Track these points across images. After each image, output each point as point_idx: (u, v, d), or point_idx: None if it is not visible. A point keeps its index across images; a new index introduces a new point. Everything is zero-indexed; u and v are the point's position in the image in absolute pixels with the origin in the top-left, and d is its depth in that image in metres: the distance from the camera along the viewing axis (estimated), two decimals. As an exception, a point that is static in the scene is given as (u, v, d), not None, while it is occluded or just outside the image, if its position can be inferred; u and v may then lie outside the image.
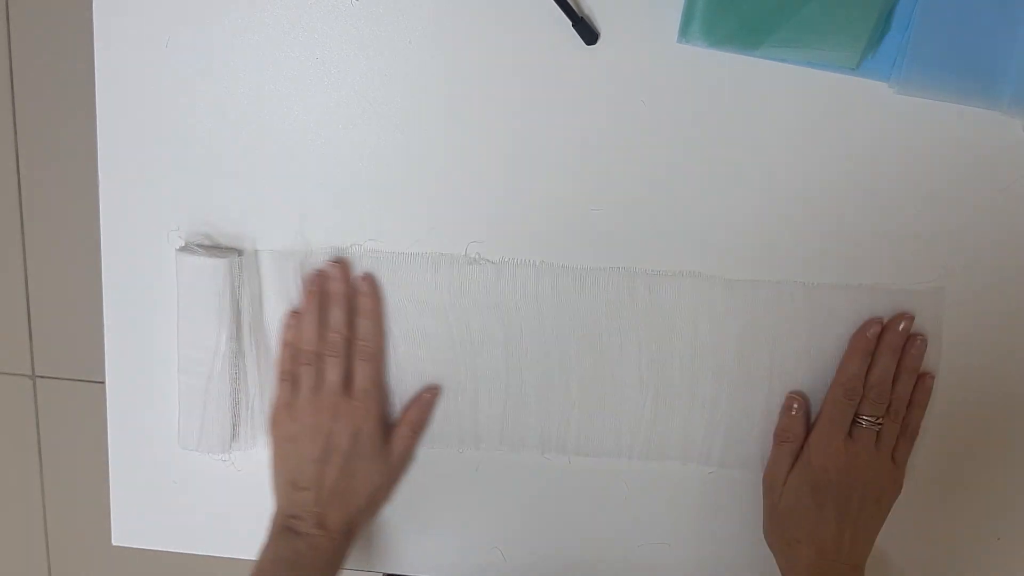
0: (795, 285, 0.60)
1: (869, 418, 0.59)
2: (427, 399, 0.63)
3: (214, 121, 0.60)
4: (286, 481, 0.62)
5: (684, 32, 0.54)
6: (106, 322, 0.65)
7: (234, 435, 0.64)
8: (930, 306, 0.59)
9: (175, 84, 0.59)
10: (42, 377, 1.47)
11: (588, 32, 0.55)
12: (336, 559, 0.61)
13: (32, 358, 1.46)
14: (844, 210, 0.58)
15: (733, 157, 0.58)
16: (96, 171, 0.61)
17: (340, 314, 0.61)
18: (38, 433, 1.49)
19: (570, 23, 0.55)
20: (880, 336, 0.59)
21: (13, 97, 1.36)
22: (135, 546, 0.69)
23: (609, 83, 0.57)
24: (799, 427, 0.61)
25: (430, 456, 0.65)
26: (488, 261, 0.61)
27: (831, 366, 0.61)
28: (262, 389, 0.64)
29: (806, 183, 0.58)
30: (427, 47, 0.57)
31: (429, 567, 0.68)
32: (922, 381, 0.60)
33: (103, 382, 0.66)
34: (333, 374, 0.61)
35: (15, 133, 1.37)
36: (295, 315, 0.62)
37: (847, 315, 0.60)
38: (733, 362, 0.61)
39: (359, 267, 0.61)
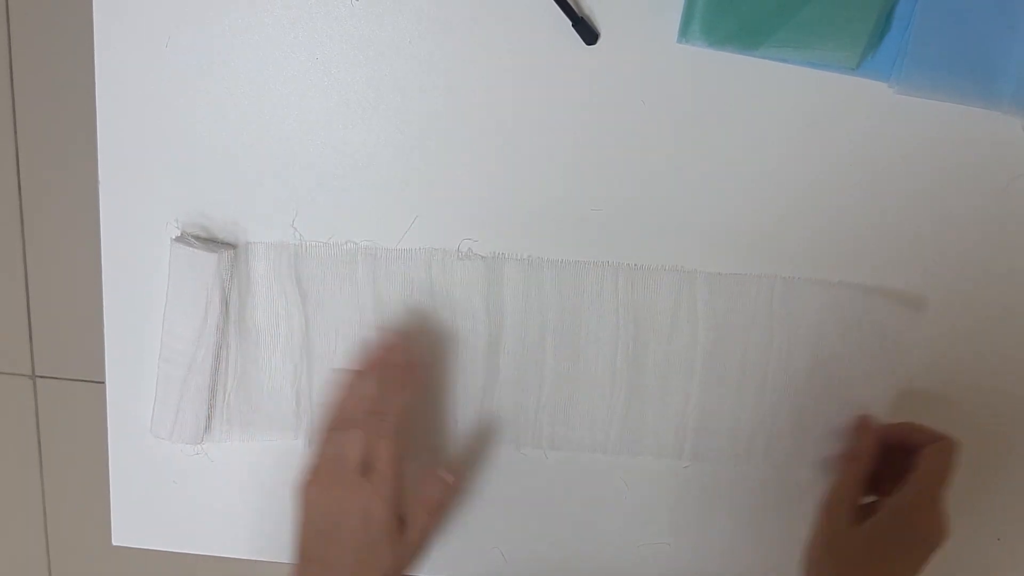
0: (775, 280, 0.60)
1: None
2: (450, 482, 0.58)
3: (214, 121, 0.60)
4: (299, 545, 0.58)
5: (684, 32, 0.54)
6: (106, 322, 0.65)
7: (207, 428, 0.64)
8: (906, 308, 0.59)
9: (175, 84, 0.59)
10: (42, 377, 1.47)
11: (588, 32, 0.55)
12: None
13: (32, 358, 1.46)
14: (844, 210, 0.58)
15: (733, 157, 0.58)
16: (96, 171, 0.61)
17: (381, 388, 0.57)
18: (38, 433, 1.49)
19: (570, 23, 0.55)
20: None
21: (13, 97, 1.36)
22: (135, 546, 0.69)
23: (609, 83, 0.57)
24: (873, 448, 0.59)
25: (432, 456, 0.65)
26: (479, 256, 0.61)
27: (802, 362, 0.61)
28: (240, 384, 0.64)
29: (806, 183, 0.58)
30: (427, 47, 0.57)
31: (429, 567, 0.68)
32: None
33: (103, 382, 0.66)
34: (356, 449, 0.56)
35: (15, 133, 1.37)
36: (348, 374, 0.58)
37: (820, 311, 0.60)
38: (706, 356, 0.61)
39: (352, 262, 0.61)
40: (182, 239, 0.60)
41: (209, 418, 0.64)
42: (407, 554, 0.58)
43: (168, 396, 0.63)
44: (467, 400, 0.64)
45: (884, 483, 0.58)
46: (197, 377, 0.62)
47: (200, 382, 0.62)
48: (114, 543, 0.69)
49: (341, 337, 0.63)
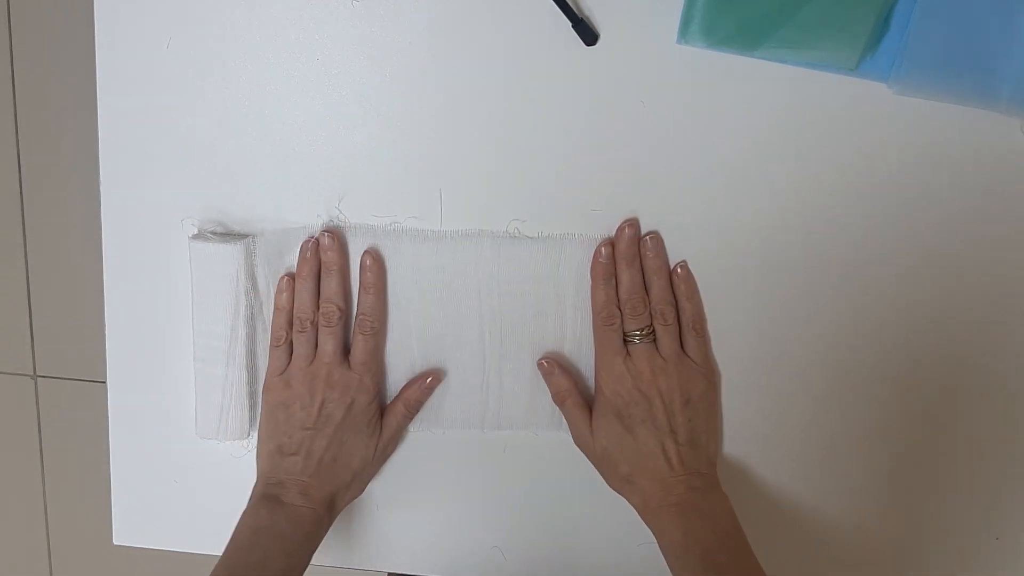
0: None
1: (636, 332, 0.59)
2: (429, 384, 0.62)
3: (214, 121, 0.60)
4: (274, 447, 0.61)
5: (683, 33, 0.54)
6: (107, 321, 0.65)
7: (252, 420, 0.64)
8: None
9: (175, 84, 0.59)
10: (44, 377, 1.47)
11: (588, 33, 0.55)
12: (317, 533, 0.60)
13: (34, 358, 1.46)
14: (843, 209, 0.58)
15: (732, 157, 0.58)
16: (97, 171, 0.61)
17: (335, 284, 0.60)
18: (39, 433, 1.49)
19: (570, 24, 0.55)
20: (612, 253, 0.59)
21: (14, 96, 1.36)
22: (136, 545, 0.69)
23: (609, 84, 0.57)
24: (566, 382, 0.61)
25: (432, 456, 0.65)
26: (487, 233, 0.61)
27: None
28: None
29: (805, 183, 0.58)
30: (427, 47, 0.57)
31: (429, 567, 0.68)
32: (675, 274, 0.60)
33: (104, 382, 0.66)
34: (329, 344, 0.60)
35: (16, 133, 1.38)
36: (289, 279, 0.61)
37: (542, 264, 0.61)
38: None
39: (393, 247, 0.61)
40: (200, 236, 0.60)
41: (252, 410, 0.64)
42: (385, 446, 0.63)
43: (210, 396, 0.63)
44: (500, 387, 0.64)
45: None
46: (236, 372, 0.62)
47: (239, 376, 0.62)
48: (115, 542, 0.69)
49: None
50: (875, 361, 0.61)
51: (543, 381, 0.63)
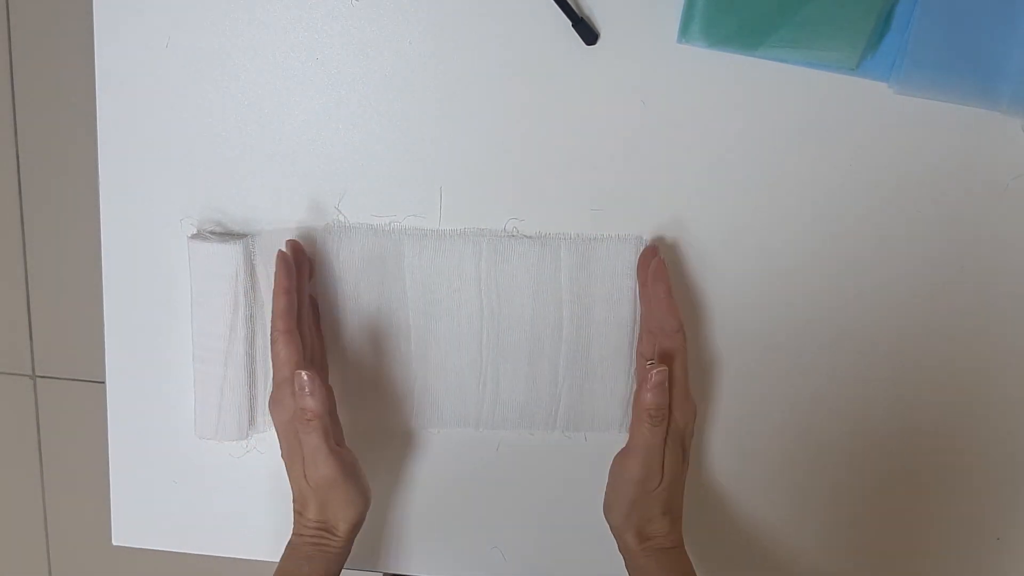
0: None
1: None
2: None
3: (213, 121, 0.60)
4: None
5: (684, 32, 0.54)
6: (106, 322, 0.65)
7: (251, 420, 0.63)
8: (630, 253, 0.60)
9: (175, 84, 0.59)
10: (42, 377, 1.47)
11: (588, 32, 0.55)
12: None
13: (32, 358, 1.46)
14: (843, 209, 0.58)
15: (733, 157, 0.58)
16: (96, 171, 0.61)
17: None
18: (38, 433, 1.49)
19: (570, 23, 0.55)
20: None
21: (13, 97, 1.36)
22: (135, 546, 0.69)
23: (609, 83, 0.57)
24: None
25: (433, 456, 0.65)
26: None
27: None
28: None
29: (806, 183, 0.58)
30: (427, 47, 0.57)
31: (429, 567, 0.68)
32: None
33: (103, 382, 0.66)
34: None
35: (15, 134, 1.38)
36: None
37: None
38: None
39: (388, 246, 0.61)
40: (199, 235, 0.60)
41: (251, 411, 0.63)
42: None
43: (208, 396, 0.62)
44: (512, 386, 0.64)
45: None
46: (234, 371, 0.62)
47: (237, 376, 0.62)
48: (114, 543, 0.69)
49: (372, 322, 0.62)
50: (876, 362, 0.61)
51: (538, 381, 0.63)
